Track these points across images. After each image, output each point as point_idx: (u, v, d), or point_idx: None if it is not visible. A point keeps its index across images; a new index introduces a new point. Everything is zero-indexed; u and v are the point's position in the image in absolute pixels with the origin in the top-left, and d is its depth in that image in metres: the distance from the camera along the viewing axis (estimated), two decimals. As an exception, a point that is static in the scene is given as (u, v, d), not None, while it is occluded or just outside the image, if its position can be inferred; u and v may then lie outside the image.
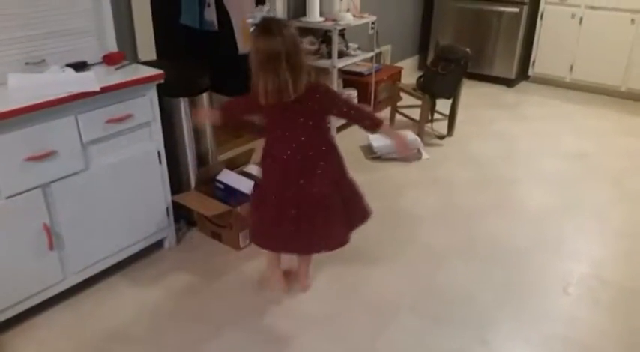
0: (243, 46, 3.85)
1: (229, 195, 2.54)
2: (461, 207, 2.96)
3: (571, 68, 4.77)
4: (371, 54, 3.97)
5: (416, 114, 3.81)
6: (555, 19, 4.73)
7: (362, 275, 2.39)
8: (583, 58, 4.69)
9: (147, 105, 2.20)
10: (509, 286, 2.34)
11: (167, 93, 2.36)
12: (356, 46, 3.91)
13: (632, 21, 4.37)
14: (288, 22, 1.90)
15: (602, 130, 4.04)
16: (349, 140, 3.69)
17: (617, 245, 2.66)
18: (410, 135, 3.57)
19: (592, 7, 4.53)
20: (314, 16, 3.63)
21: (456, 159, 3.56)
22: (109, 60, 2.27)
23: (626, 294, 2.30)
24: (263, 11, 1.85)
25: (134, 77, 2.12)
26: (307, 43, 3.70)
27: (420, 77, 3.84)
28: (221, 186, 2.57)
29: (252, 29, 1.86)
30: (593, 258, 2.55)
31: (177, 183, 2.54)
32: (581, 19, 4.60)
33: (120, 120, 2.10)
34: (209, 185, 2.60)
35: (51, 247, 2.00)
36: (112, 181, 2.16)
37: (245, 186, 2.51)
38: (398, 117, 3.98)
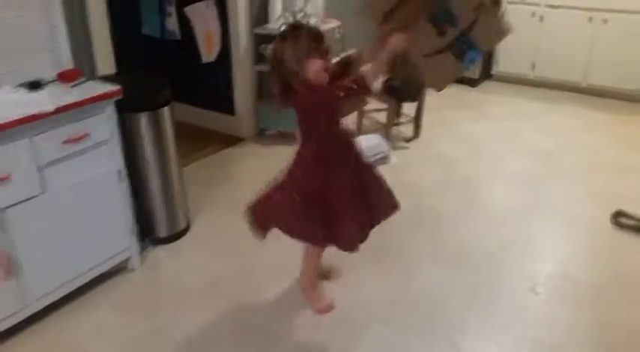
0: (206, 55, 3.80)
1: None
2: (430, 210, 2.97)
3: (533, 66, 4.85)
4: (337, 59, 3.94)
5: (383, 117, 3.82)
6: (517, 17, 4.70)
7: (331, 285, 2.37)
8: (544, 55, 4.77)
9: (105, 123, 2.14)
10: (479, 289, 2.35)
11: (127, 109, 2.31)
12: (321, 51, 3.89)
13: (590, 19, 4.47)
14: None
15: (564, 127, 4.12)
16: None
17: (581, 242, 2.71)
18: (377, 139, 3.59)
19: (552, 6, 4.62)
20: (277, 23, 3.61)
21: (424, 161, 3.58)
22: (64, 77, 2.21)
23: (593, 290, 2.34)
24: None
25: (90, 95, 2.06)
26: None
27: (385, 81, 3.84)
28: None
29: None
30: (560, 256, 2.59)
31: (140, 200, 2.49)
32: (541, 18, 4.68)
33: (77, 140, 2.04)
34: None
35: (8, 275, 1.93)
36: (71, 203, 2.10)
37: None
38: (365, 121, 3.99)
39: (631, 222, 2.79)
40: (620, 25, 4.37)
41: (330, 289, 2.34)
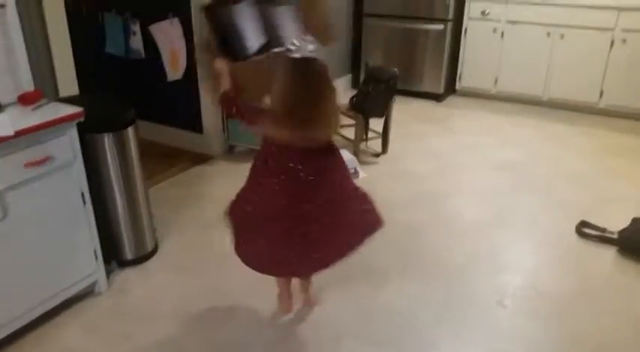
0: (172, 73, 3.77)
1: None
2: (399, 225, 2.99)
3: (496, 80, 4.97)
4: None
5: (351, 133, 3.84)
6: (478, 34, 4.92)
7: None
8: (506, 70, 4.89)
9: (67, 145, 2.09)
10: (449, 303, 2.37)
11: (90, 130, 2.27)
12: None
13: (549, 34, 4.61)
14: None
15: (527, 139, 4.22)
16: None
17: (548, 253, 2.76)
18: (346, 154, 3.60)
19: (512, 22, 4.74)
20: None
21: (392, 176, 3.61)
22: (24, 100, 2.15)
23: (560, 302, 2.38)
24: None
25: (52, 117, 2.01)
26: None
27: (352, 97, 3.88)
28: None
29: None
30: (527, 269, 2.63)
31: (105, 222, 2.43)
32: (502, 34, 4.81)
33: (39, 163, 1.99)
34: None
35: (-33, 304, 1.86)
36: (33, 228, 2.04)
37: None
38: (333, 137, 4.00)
39: (594, 233, 2.86)
40: (577, 40, 4.53)
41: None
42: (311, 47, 1.98)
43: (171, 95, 3.88)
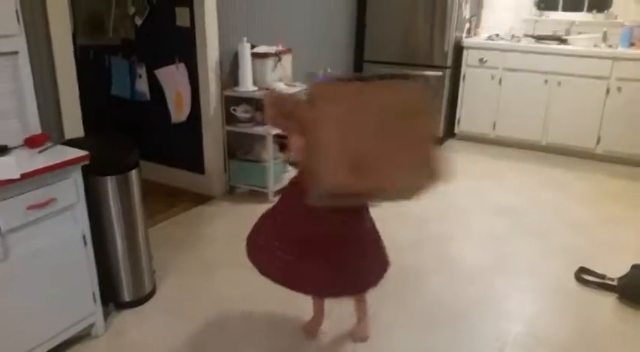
0: (176, 116, 3.84)
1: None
2: (401, 270, 2.97)
3: (494, 125, 5.04)
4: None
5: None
6: (476, 80, 5.02)
7: (287, 347, 2.34)
8: (504, 115, 4.97)
9: (71, 188, 2.13)
10: (451, 350, 2.35)
11: (94, 172, 2.31)
12: (289, 112, 3.98)
13: (546, 81, 4.71)
14: None
15: (526, 184, 4.25)
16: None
17: (548, 300, 2.75)
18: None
19: (509, 69, 4.86)
20: (247, 86, 3.70)
21: (393, 219, 3.61)
22: (31, 142, 2.20)
23: (560, 350, 2.36)
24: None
25: (58, 160, 2.05)
26: (241, 111, 3.75)
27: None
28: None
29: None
30: (527, 315, 2.62)
31: (104, 264, 2.44)
32: (500, 80, 4.91)
33: (42, 205, 2.02)
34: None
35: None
36: (33, 269, 2.05)
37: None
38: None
39: (594, 279, 2.86)
40: (573, 87, 4.62)
41: (300, 353, 2.31)
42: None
43: (175, 137, 3.94)
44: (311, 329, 2.42)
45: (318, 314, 2.42)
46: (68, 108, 2.66)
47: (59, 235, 2.13)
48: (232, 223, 3.52)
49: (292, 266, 2.05)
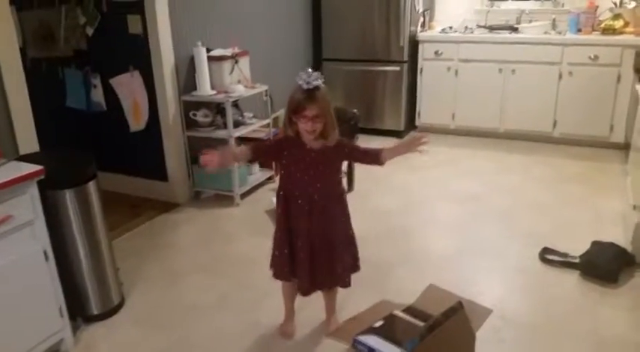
0: (135, 124, 3.79)
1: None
2: (369, 262, 2.97)
3: (453, 116, 5.14)
4: (267, 120, 4.06)
5: (316, 174, 3.89)
6: (433, 73, 5.11)
7: (267, 347, 2.35)
8: (462, 105, 5.07)
9: (28, 204, 2.08)
10: (420, 338, 2.38)
11: (51, 186, 2.26)
12: (251, 114, 3.98)
13: (500, 70, 4.82)
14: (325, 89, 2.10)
15: (487, 171, 4.35)
16: (254, 207, 3.70)
17: (514, 282, 2.82)
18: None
19: (464, 60, 4.95)
20: (205, 90, 3.68)
21: (359, 213, 3.59)
22: (-18, 160, 2.15)
23: (529, 330, 2.42)
24: (312, 76, 2.03)
25: (11, 177, 2.00)
26: (201, 116, 3.73)
27: (315, 139, 3.95)
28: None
29: (299, 87, 2.07)
30: (495, 298, 2.67)
31: (69, 278, 2.39)
32: (456, 72, 5.00)
33: (-2, 223, 1.97)
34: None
35: None
36: (-6, 289, 2.00)
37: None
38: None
39: (557, 258, 2.94)
40: (527, 74, 4.75)
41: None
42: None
43: (135, 145, 3.88)
44: (286, 329, 2.42)
45: (290, 313, 2.43)
46: (20, 123, 2.60)
47: (19, 252, 2.08)
48: (199, 229, 3.49)
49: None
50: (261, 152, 2.45)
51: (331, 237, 2.18)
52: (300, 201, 2.13)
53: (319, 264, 2.18)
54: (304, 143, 2.10)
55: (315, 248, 2.16)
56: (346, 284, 2.27)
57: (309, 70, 2.07)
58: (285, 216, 2.17)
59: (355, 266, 2.32)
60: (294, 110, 2.06)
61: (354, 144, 2.35)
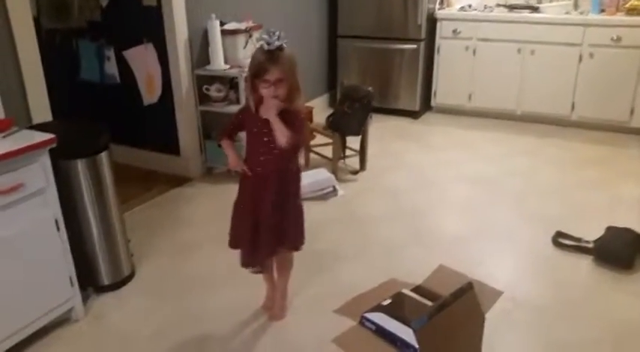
0: (148, 97, 3.78)
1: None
2: (379, 242, 3.00)
3: (470, 97, 5.05)
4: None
5: (329, 151, 3.87)
6: (451, 52, 5.01)
7: (264, 327, 2.35)
8: (479, 86, 4.98)
9: (40, 172, 2.08)
10: (429, 318, 2.37)
11: (63, 156, 2.26)
12: (264, 90, 3.94)
13: (519, 50, 4.72)
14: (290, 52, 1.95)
15: (503, 153, 4.28)
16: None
17: (526, 265, 2.79)
18: (324, 173, 3.63)
19: (483, 39, 4.85)
20: (218, 64, 3.64)
21: (371, 193, 3.64)
22: (-6, 128, 2.14)
23: (539, 313, 2.41)
24: (274, 37, 1.89)
25: (23, 145, 2.00)
26: (215, 90, 3.70)
27: (329, 116, 3.92)
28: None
29: (260, 48, 1.90)
30: (506, 280, 2.64)
31: (81, 248, 2.41)
32: (474, 51, 4.91)
33: (10, 190, 1.97)
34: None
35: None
36: (5, 257, 2.01)
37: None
38: (312, 155, 4.04)
39: (570, 243, 2.90)
40: (547, 55, 4.64)
41: (260, 328, 2.32)
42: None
43: (148, 119, 3.88)
44: (264, 304, 2.43)
45: (271, 288, 2.42)
46: (34, 93, 2.60)
47: (31, 220, 2.09)
48: (211, 204, 3.50)
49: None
50: (233, 133, 2.23)
51: (281, 209, 2.11)
52: (256, 170, 2.08)
53: (264, 237, 2.12)
54: (256, 114, 1.99)
55: (261, 221, 2.10)
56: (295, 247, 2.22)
57: (272, 29, 1.89)
58: (243, 186, 2.15)
59: (300, 241, 2.24)
60: (255, 74, 1.91)
61: (302, 122, 2.12)
